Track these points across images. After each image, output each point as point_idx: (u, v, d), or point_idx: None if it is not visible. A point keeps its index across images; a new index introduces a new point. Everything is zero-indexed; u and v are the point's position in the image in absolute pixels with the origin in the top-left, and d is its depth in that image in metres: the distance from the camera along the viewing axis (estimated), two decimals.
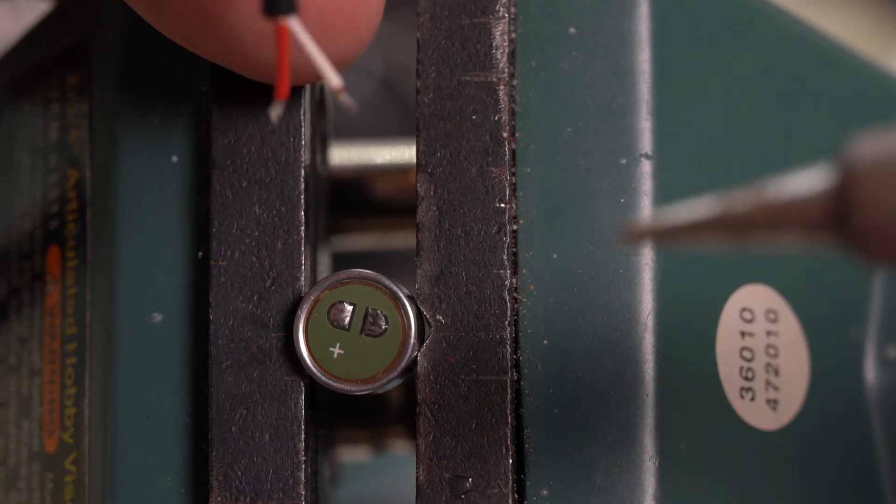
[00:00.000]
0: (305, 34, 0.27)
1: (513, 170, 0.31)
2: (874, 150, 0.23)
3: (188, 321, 0.31)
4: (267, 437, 0.30)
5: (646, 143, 0.31)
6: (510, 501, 0.30)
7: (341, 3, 0.29)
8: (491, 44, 0.31)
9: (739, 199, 0.24)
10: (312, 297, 0.30)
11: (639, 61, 0.31)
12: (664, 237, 0.25)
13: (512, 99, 0.31)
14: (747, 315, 0.32)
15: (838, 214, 0.23)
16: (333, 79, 0.28)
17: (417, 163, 0.31)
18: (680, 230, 0.25)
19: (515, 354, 0.30)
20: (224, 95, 0.31)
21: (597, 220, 0.31)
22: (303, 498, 0.30)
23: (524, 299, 0.31)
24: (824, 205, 0.23)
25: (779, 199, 0.24)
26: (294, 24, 0.27)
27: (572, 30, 0.32)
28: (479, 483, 0.30)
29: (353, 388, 0.30)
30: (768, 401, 0.32)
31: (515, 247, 0.31)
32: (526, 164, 0.31)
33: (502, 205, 0.31)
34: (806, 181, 0.24)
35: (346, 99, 0.28)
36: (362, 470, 0.46)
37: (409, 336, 0.30)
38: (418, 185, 0.31)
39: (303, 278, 0.31)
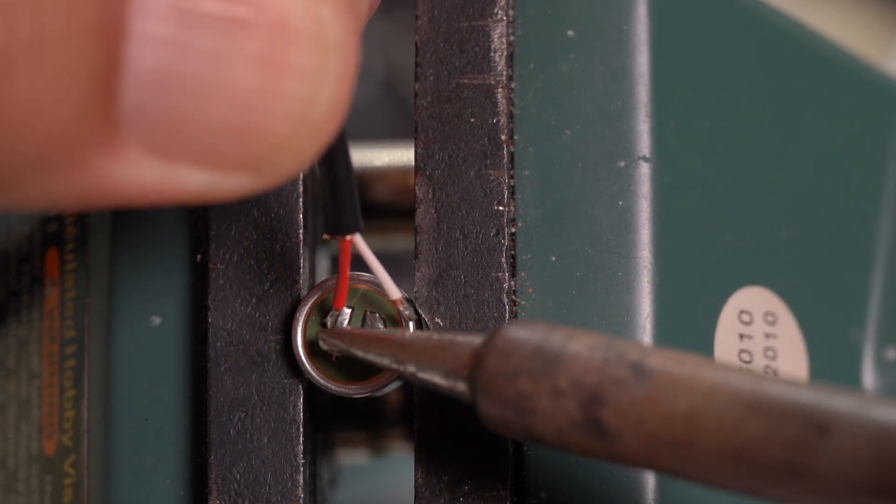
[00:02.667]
0: (366, 247, 0.29)
1: (511, 172, 0.31)
2: (511, 335, 0.27)
3: (187, 324, 0.31)
4: (265, 440, 0.30)
5: (644, 145, 0.31)
6: None
7: None
8: (489, 46, 0.31)
9: (411, 336, 0.29)
10: (311, 300, 0.30)
11: (637, 64, 0.31)
12: (350, 347, 0.29)
13: (510, 101, 0.31)
14: (746, 317, 0.32)
15: (472, 376, 0.27)
16: (393, 291, 0.30)
17: (416, 165, 0.31)
18: (357, 345, 0.29)
19: None
20: None
21: (595, 222, 0.31)
22: (301, 501, 0.30)
23: (523, 302, 0.31)
24: (466, 365, 0.27)
25: (438, 345, 0.28)
26: (357, 240, 0.29)
27: (571, 32, 0.32)
28: (478, 486, 0.30)
29: (351, 391, 0.30)
30: None
31: (514, 249, 0.31)
32: (524, 166, 0.31)
33: (501, 207, 0.31)
34: (464, 340, 0.28)
35: (403, 308, 0.30)
36: (361, 472, 0.46)
37: None
38: (417, 187, 0.31)
39: (301, 281, 0.31)
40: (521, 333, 0.27)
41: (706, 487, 0.25)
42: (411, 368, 0.28)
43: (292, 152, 0.25)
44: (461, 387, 0.28)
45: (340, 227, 0.29)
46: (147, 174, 0.24)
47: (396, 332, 0.29)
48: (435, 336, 0.28)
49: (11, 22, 0.21)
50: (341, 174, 0.28)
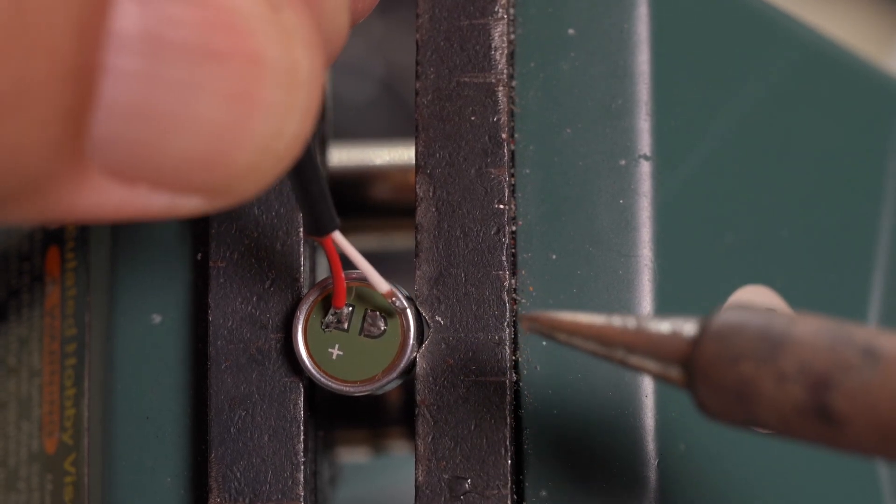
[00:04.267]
0: (347, 243, 0.29)
1: (512, 171, 0.31)
2: (730, 319, 0.26)
3: (187, 322, 0.31)
4: (266, 438, 0.30)
5: (645, 144, 0.31)
6: (509, 502, 0.30)
7: None
8: (490, 45, 0.31)
9: (619, 321, 0.27)
10: (311, 299, 0.30)
11: (638, 62, 0.31)
12: (551, 332, 0.28)
13: (511, 100, 0.31)
14: None
15: (688, 361, 0.26)
16: (382, 285, 0.30)
17: (416, 164, 0.31)
18: (560, 329, 0.28)
19: (515, 356, 0.30)
20: None
21: (596, 221, 0.31)
22: (302, 499, 0.30)
23: (523, 300, 0.31)
24: (680, 350, 0.26)
25: (648, 330, 0.27)
26: (337, 236, 0.29)
27: (571, 31, 0.32)
28: (478, 484, 0.30)
29: (352, 390, 0.30)
30: None
31: (514, 248, 0.31)
32: (525, 165, 0.31)
33: (501, 206, 0.31)
34: (675, 325, 0.27)
35: (395, 300, 0.30)
36: (361, 471, 0.46)
37: (408, 337, 0.30)
38: (417, 186, 0.31)
39: (302, 279, 0.31)
40: (742, 317, 0.26)
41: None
42: (620, 354, 0.27)
43: (253, 180, 0.25)
44: (674, 373, 0.27)
45: (318, 228, 0.29)
46: (108, 198, 0.24)
47: (601, 316, 0.28)
48: (645, 321, 0.27)
49: (13, 52, 0.21)
50: (310, 176, 0.28)
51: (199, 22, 0.23)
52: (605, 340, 0.28)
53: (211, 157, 0.24)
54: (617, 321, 0.28)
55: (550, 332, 0.28)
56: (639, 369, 0.27)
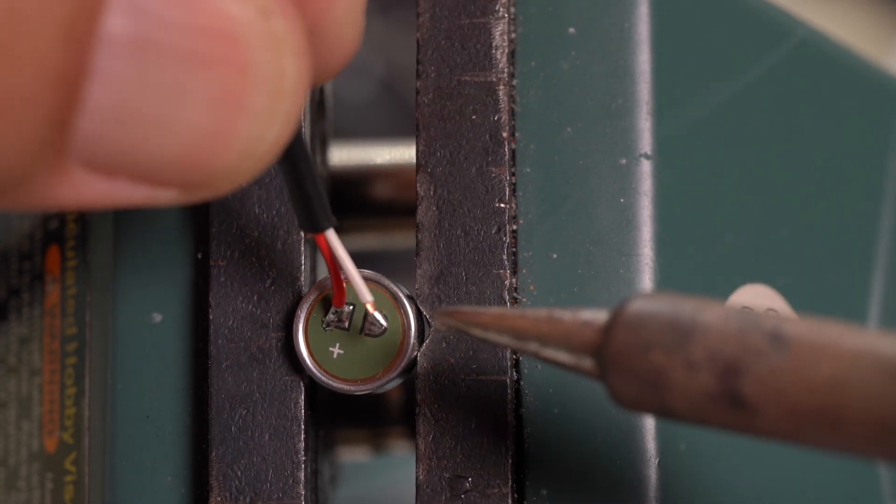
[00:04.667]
0: (339, 244, 0.29)
1: (512, 170, 0.31)
2: (640, 309, 0.26)
3: (188, 321, 0.31)
4: (266, 437, 0.30)
5: (645, 143, 0.31)
6: (510, 501, 0.30)
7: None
8: (491, 44, 0.31)
9: (532, 313, 0.28)
10: (312, 297, 0.30)
11: (639, 61, 0.31)
12: (466, 327, 0.29)
13: (512, 99, 0.31)
14: None
15: (599, 352, 0.26)
16: (366, 294, 0.30)
17: (417, 163, 0.31)
18: (475, 324, 0.28)
19: (515, 355, 0.30)
20: None
21: (597, 220, 0.31)
22: (302, 498, 0.30)
23: (524, 299, 0.31)
24: (592, 340, 0.27)
25: (560, 322, 0.27)
26: (330, 234, 0.29)
27: (572, 30, 0.32)
28: (479, 483, 0.30)
29: (352, 388, 0.30)
30: None
31: (515, 247, 0.31)
32: (526, 164, 0.31)
33: (502, 205, 0.31)
34: (586, 316, 0.27)
35: (376, 316, 0.30)
36: (362, 470, 0.46)
37: (409, 336, 0.30)
38: (418, 185, 0.31)
39: (302, 278, 0.31)
40: (651, 305, 0.26)
41: (850, 457, 0.25)
42: (533, 346, 0.28)
43: (231, 180, 0.26)
44: (587, 364, 0.27)
45: (311, 224, 0.29)
46: (87, 190, 0.25)
47: (515, 310, 0.28)
48: (557, 312, 0.28)
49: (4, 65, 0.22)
50: (304, 173, 0.28)
51: (190, 27, 0.24)
52: (518, 334, 0.28)
53: (192, 158, 0.25)
54: (530, 314, 0.28)
55: (465, 327, 0.29)
56: (552, 362, 0.27)
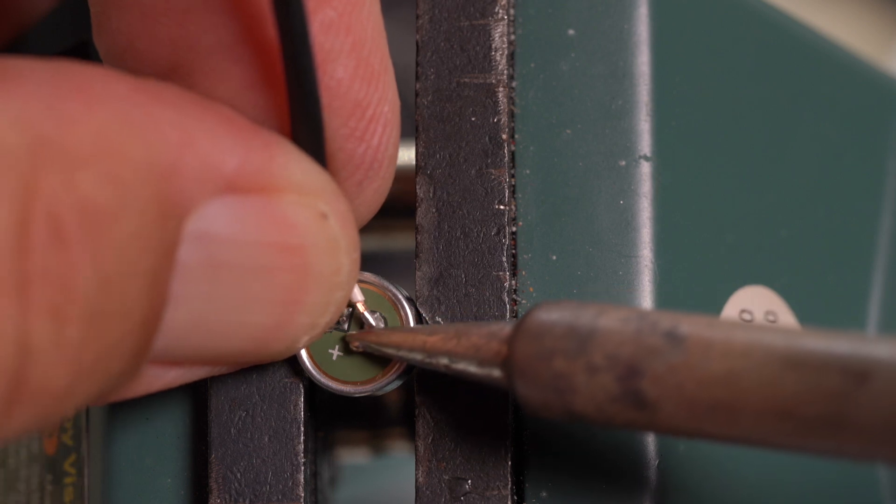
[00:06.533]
0: None
1: (512, 171, 0.31)
2: (540, 318, 0.27)
3: None
4: (266, 439, 0.30)
5: (645, 144, 0.31)
6: (509, 503, 0.30)
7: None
8: (490, 45, 0.31)
9: (441, 330, 0.29)
10: None
11: (638, 63, 0.31)
12: (378, 348, 0.30)
13: (511, 101, 0.31)
14: (747, 316, 0.32)
15: (506, 362, 0.27)
16: (356, 294, 0.30)
17: (416, 164, 0.31)
18: (387, 343, 0.29)
19: None
20: None
21: (596, 221, 0.31)
22: (302, 500, 0.30)
23: (524, 301, 0.31)
24: (498, 352, 0.28)
25: (468, 336, 0.28)
26: None
27: (571, 31, 0.32)
28: (479, 485, 0.30)
29: (352, 391, 0.30)
30: None
31: (515, 248, 0.31)
32: (525, 165, 0.31)
33: (501, 206, 0.31)
34: (491, 329, 0.28)
35: (367, 316, 0.31)
36: (361, 472, 0.46)
37: None
38: (417, 186, 0.31)
39: None
40: (551, 315, 0.27)
41: (752, 448, 0.25)
42: (444, 361, 0.29)
43: (280, 358, 0.29)
44: (496, 373, 0.28)
45: None
46: (158, 382, 0.27)
47: (426, 327, 0.29)
48: (463, 327, 0.29)
49: (99, 336, 0.24)
50: None
51: (256, 243, 0.26)
52: (429, 350, 0.29)
53: (251, 349, 0.27)
54: (440, 330, 0.29)
55: (378, 348, 0.30)
56: (464, 375, 0.28)
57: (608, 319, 0.26)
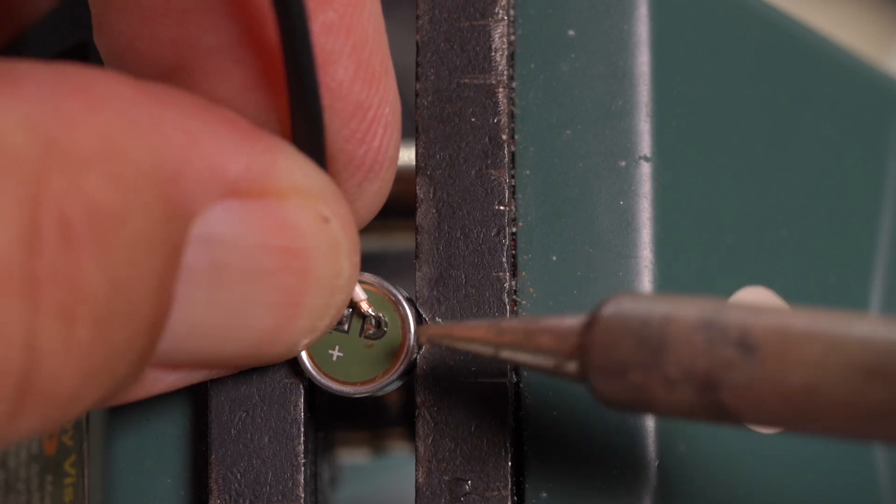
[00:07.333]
0: None
1: (512, 172, 0.31)
2: (619, 306, 0.27)
3: None
4: (266, 440, 0.30)
5: (645, 145, 0.31)
6: (509, 503, 0.30)
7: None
8: (490, 46, 0.31)
9: (510, 323, 0.28)
10: None
11: (638, 63, 0.31)
12: (447, 342, 0.29)
13: (511, 101, 0.31)
14: None
15: (580, 352, 0.27)
16: (358, 293, 0.30)
17: (416, 165, 0.31)
18: (460, 339, 0.29)
19: None
20: None
21: (596, 222, 0.31)
22: (302, 500, 0.30)
23: (524, 302, 0.31)
24: (571, 342, 0.27)
25: (538, 328, 0.28)
26: None
27: (571, 32, 0.32)
28: (479, 486, 0.30)
29: (352, 391, 0.30)
30: None
31: (515, 249, 0.31)
32: (525, 166, 0.31)
33: (501, 207, 0.31)
34: (564, 321, 0.28)
35: (370, 313, 0.31)
36: (361, 472, 0.46)
37: (409, 339, 0.30)
38: (417, 187, 0.31)
39: None
40: (621, 317, 0.27)
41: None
42: (509, 354, 0.29)
43: (279, 361, 0.29)
44: (571, 367, 0.28)
45: None
46: (160, 384, 0.28)
47: (498, 322, 0.29)
48: (534, 320, 0.28)
49: (107, 338, 0.24)
50: None
51: (259, 246, 0.26)
52: (500, 346, 0.29)
53: (251, 352, 0.27)
54: (512, 324, 0.29)
55: (450, 343, 0.29)
56: (536, 368, 0.28)
57: (676, 328, 0.26)
